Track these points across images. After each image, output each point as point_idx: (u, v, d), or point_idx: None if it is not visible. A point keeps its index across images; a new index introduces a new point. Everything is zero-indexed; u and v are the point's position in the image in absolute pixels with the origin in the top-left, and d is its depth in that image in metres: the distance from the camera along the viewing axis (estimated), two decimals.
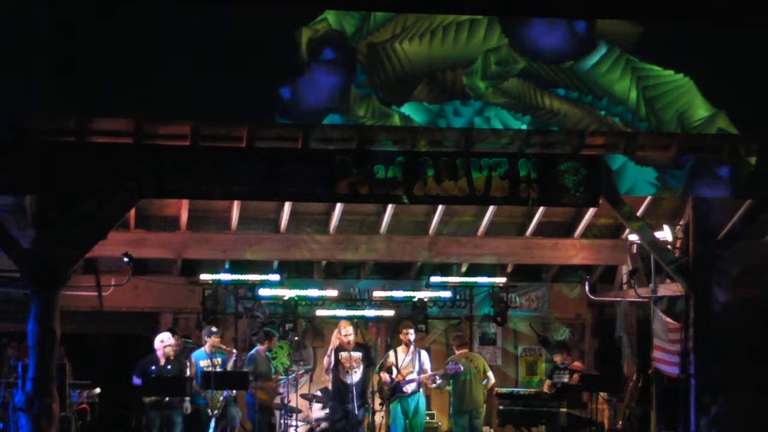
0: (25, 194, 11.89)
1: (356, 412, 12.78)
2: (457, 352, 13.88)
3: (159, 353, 13.00)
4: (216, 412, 13.04)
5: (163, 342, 13.04)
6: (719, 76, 11.65)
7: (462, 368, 13.48)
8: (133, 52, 10.80)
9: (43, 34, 10.64)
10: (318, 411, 14.26)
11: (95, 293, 14.22)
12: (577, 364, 14.58)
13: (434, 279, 14.09)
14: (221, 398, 13.06)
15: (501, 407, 14.12)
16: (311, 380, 15.20)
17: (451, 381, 13.67)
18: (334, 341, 13.36)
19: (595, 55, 11.52)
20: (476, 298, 14.37)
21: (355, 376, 13.05)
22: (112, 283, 13.88)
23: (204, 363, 13.33)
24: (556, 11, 11.52)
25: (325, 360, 13.45)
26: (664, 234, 13.09)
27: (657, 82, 11.64)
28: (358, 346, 13.26)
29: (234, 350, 13.59)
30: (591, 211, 14.21)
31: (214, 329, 13.50)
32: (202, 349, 13.47)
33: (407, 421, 13.27)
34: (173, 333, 13.58)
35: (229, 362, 13.39)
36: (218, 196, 11.94)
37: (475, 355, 14.35)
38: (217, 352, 13.40)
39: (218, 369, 13.12)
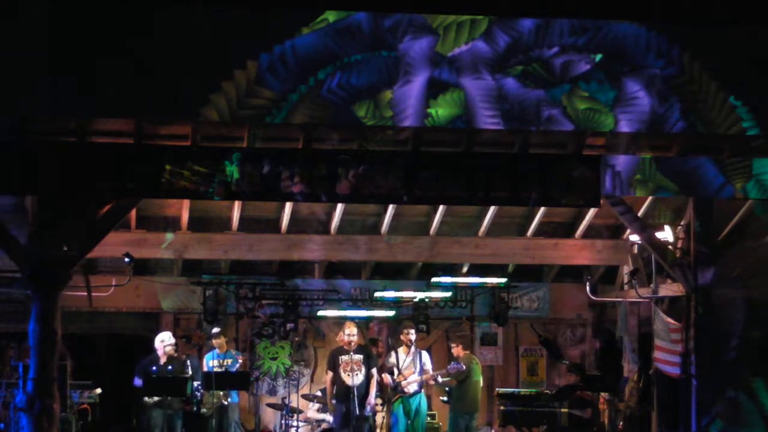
0: (25, 194, 11.88)
1: (356, 413, 12.75)
2: (462, 353, 13.84)
3: (159, 353, 13.02)
4: (206, 411, 13.06)
5: (164, 342, 13.05)
6: (719, 76, 11.62)
7: (464, 368, 13.48)
8: (133, 52, 10.78)
9: (43, 33, 10.62)
10: (320, 411, 14.24)
11: (95, 293, 14.24)
12: None
13: (435, 279, 14.07)
14: (215, 400, 13.08)
15: (502, 408, 14.12)
16: (312, 380, 15.22)
17: (459, 382, 13.58)
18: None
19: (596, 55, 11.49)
20: (477, 299, 14.38)
21: (357, 378, 13.01)
22: (113, 283, 13.89)
23: (213, 363, 13.35)
24: (556, 11, 11.47)
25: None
26: (665, 234, 13.08)
27: None
28: (359, 348, 13.23)
29: (241, 359, 13.66)
30: (592, 211, 14.20)
31: (215, 330, 13.54)
32: (215, 349, 13.54)
33: (409, 421, 13.26)
34: (175, 336, 13.61)
35: (235, 367, 13.43)
36: (218, 196, 11.92)
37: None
38: (229, 354, 13.45)
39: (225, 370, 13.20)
